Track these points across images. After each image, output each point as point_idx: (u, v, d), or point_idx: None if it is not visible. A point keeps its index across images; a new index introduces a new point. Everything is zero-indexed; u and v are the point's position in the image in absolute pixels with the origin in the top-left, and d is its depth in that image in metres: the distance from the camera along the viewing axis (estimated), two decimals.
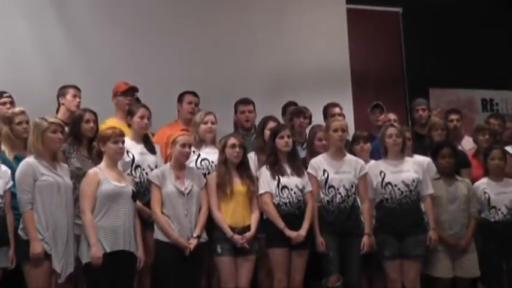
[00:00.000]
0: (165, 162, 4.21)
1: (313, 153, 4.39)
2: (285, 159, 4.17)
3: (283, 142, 4.14)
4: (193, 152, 4.16)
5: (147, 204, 3.98)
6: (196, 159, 4.21)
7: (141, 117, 4.20)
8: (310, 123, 4.85)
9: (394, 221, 4.14)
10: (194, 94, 4.75)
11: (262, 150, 4.30)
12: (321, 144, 4.41)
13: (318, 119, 4.97)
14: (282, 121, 4.78)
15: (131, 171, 4.08)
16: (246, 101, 4.83)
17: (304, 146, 4.67)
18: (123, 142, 3.83)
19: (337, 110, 5.03)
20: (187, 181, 3.94)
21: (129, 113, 4.25)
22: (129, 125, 4.22)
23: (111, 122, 4.31)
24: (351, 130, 4.76)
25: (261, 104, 4.89)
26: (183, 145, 3.96)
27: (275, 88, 5.55)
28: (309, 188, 4.14)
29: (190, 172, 4.01)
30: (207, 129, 4.30)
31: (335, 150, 4.22)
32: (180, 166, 3.98)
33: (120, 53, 5.21)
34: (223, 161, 4.07)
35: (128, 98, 4.53)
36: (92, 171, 3.74)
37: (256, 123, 4.71)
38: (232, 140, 4.07)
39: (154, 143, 4.39)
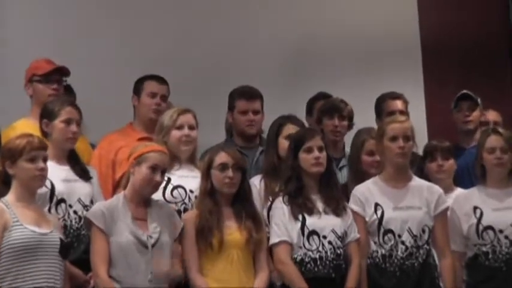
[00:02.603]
0: (113, 192, 4.09)
1: (357, 175, 4.27)
2: (314, 186, 4.02)
3: (311, 158, 3.98)
4: None
5: (80, 262, 3.85)
6: (165, 188, 4.06)
7: (67, 122, 4.04)
8: (351, 126, 4.73)
9: None
10: (160, 80, 4.62)
11: (274, 173, 4.18)
12: (371, 161, 4.28)
13: (365, 119, 4.78)
14: (307, 124, 4.67)
15: (50, 208, 3.93)
16: (250, 95, 4.70)
17: (342, 164, 4.59)
18: (45, 159, 3.69)
19: (398, 104, 4.88)
20: (153, 224, 3.80)
21: (46, 115, 4.09)
22: (45, 134, 4.06)
23: (23, 126, 4.20)
24: (421, 137, 4.52)
25: (271, 97, 4.79)
26: (154, 168, 3.82)
27: (295, 71, 5.46)
28: (354, 234, 4.00)
29: (157, 209, 3.87)
30: (181, 138, 4.16)
31: (394, 170, 4.08)
32: (141, 199, 3.84)
33: (39, 19, 5.18)
34: (209, 190, 3.94)
35: (53, 85, 4.40)
36: None
37: (264, 128, 4.61)
38: (222, 157, 3.95)
39: (92, 162, 4.27)
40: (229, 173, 3.90)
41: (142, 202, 3.83)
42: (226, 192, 3.93)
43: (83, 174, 4.08)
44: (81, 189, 4.04)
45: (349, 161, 4.47)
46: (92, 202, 4.00)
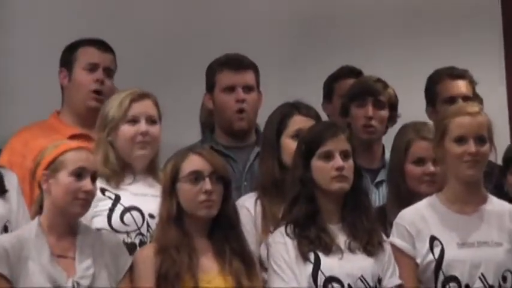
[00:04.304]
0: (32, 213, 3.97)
1: (401, 194, 4.19)
2: (334, 211, 3.89)
3: (331, 169, 3.84)
4: (103, 192, 3.96)
5: None
6: (111, 210, 4.02)
7: None
8: (393, 119, 4.68)
9: None
10: (102, 46, 4.59)
11: (275, 190, 4.12)
12: (419, 174, 4.18)
13: (414, 109, 4.74)
14: (324, 116, 4.66)
15: None
16: (237, 63, 4.68)
17: (381, 177, 4.57)
18: None
19: (460, 85, 4.80)
20: (84, 264, 3.71)
21: None
22: None
23: None
24: (501, 138, 4.35)
25: (274, 73, 5.04)
26: (78, 172, 3.73)
27: (307, 36, 5.63)
28: (391, 278, 3.86)
29: (91, 239, 3.80)
30: (135, 138, 4.07)
31: (461, 187, 3.93)
32: (66, 226, 3.75)
33: None
34: (174, 214, 3.80)
35: None
36: None
37: (261, 123, 4.54)
38: (193, 162, 3.84)
39: (5, 164, 4.27)
40: (206, 185, 3.75)
41: (68, 230, 3.70)
42: (203, 215, 3.77)
43: None
44: None
45: (388, 173, 4.38)
46: (5, 229, 3.91)
